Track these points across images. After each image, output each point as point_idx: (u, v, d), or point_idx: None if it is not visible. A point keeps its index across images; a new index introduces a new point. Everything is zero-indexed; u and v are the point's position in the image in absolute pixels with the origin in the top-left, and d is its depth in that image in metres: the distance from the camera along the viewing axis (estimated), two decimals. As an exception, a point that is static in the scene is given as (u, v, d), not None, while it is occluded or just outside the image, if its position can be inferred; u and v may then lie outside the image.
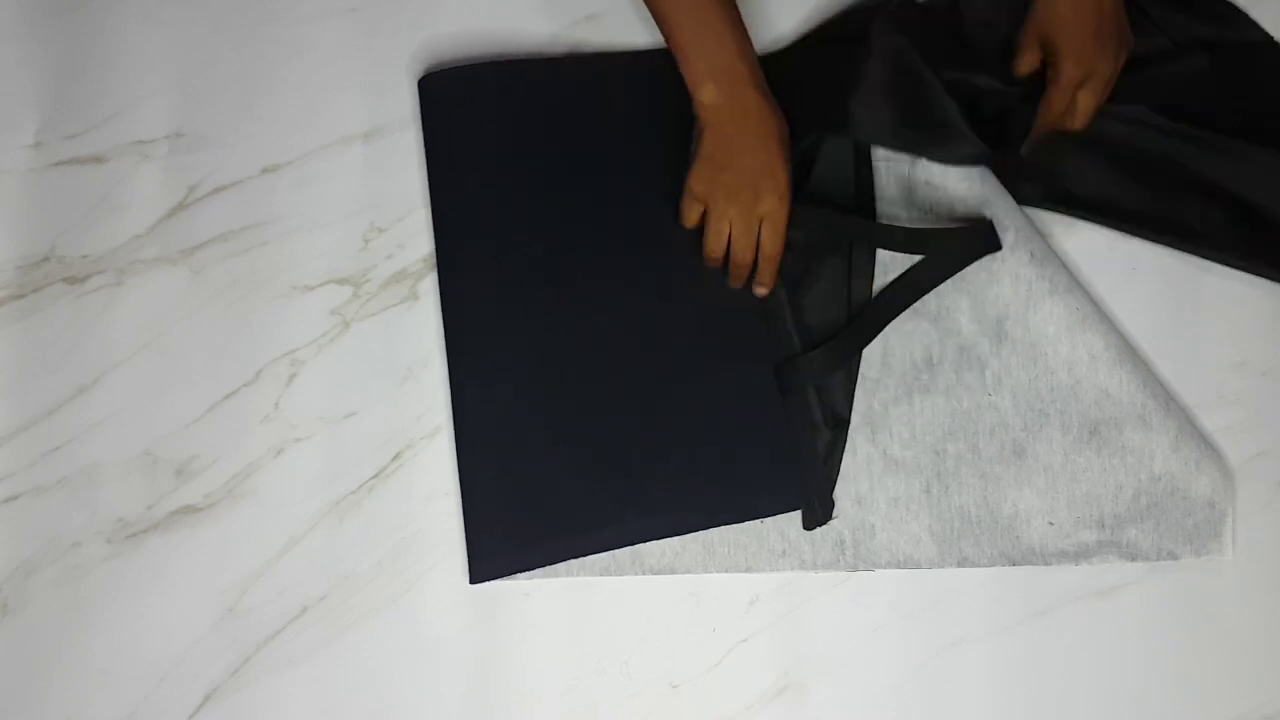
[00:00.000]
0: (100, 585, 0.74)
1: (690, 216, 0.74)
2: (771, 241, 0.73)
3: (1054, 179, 0.76)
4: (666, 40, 0.70)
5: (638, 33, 0.80)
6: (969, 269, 0.74)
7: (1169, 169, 0.76)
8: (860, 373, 0.75)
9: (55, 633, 0.74)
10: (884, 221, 0.76)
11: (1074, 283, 0.74)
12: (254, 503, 0.75)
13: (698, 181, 0.73)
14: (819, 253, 0.75)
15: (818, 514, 0.73)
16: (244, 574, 0.75)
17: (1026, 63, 0.75)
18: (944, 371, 0.75)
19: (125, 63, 0.78)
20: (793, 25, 0.80)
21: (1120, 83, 0.73)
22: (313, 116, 0.78)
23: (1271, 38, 0.78)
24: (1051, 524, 0.73)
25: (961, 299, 0.75)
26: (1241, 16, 0.78)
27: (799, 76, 0.75)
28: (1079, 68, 0.71)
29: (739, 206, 0.72)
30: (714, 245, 0.74)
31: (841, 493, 0.74)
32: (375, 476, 0.76)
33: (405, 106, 0.78)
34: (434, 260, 0.78)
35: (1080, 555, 0.73)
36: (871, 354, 0.75)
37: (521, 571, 0.73)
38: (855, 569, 0.74)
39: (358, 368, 0.77)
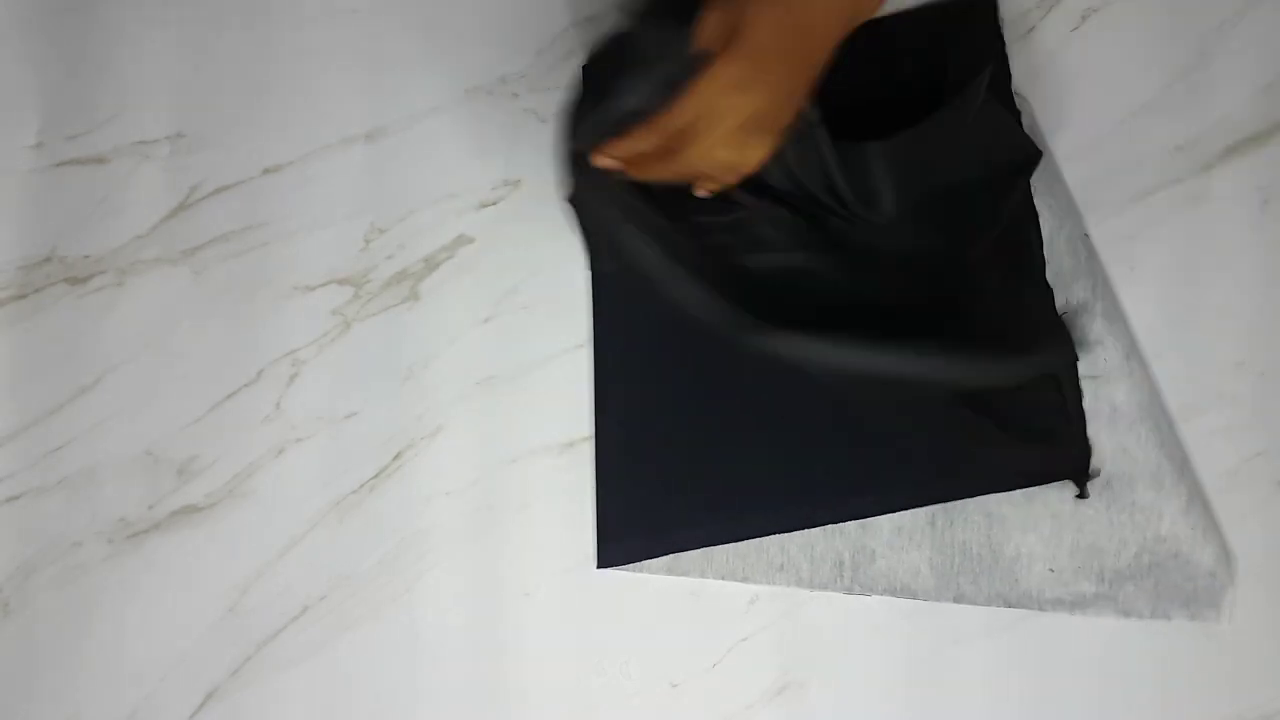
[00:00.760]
0: (101, 585, 0.75)
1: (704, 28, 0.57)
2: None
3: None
4: None
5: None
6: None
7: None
8: None
9: (55, 633, 0.74)
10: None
11: (1107, 335, 0.73)
12: (255, 503, 0.75)
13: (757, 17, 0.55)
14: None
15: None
16: (245, 574, 0.75)
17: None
18: None
19: (126, 63, 0.78)
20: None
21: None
22: (313, 117, 0.78)
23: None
24: (1052, 571, 0.73)
25: None
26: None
27: None
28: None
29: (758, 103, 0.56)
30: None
31: None
32: (376, 476, 0.76)
33: (406, 106, 0.78)
34: (435, 261, 0.78)
35: (1076, 605, 0.73)
36: None
37: (647, 559, 0.74)
38: (851, 591, 0.74)
39: (359, 368, 0.77)
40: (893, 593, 0.74)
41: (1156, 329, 0.75)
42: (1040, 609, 0.73)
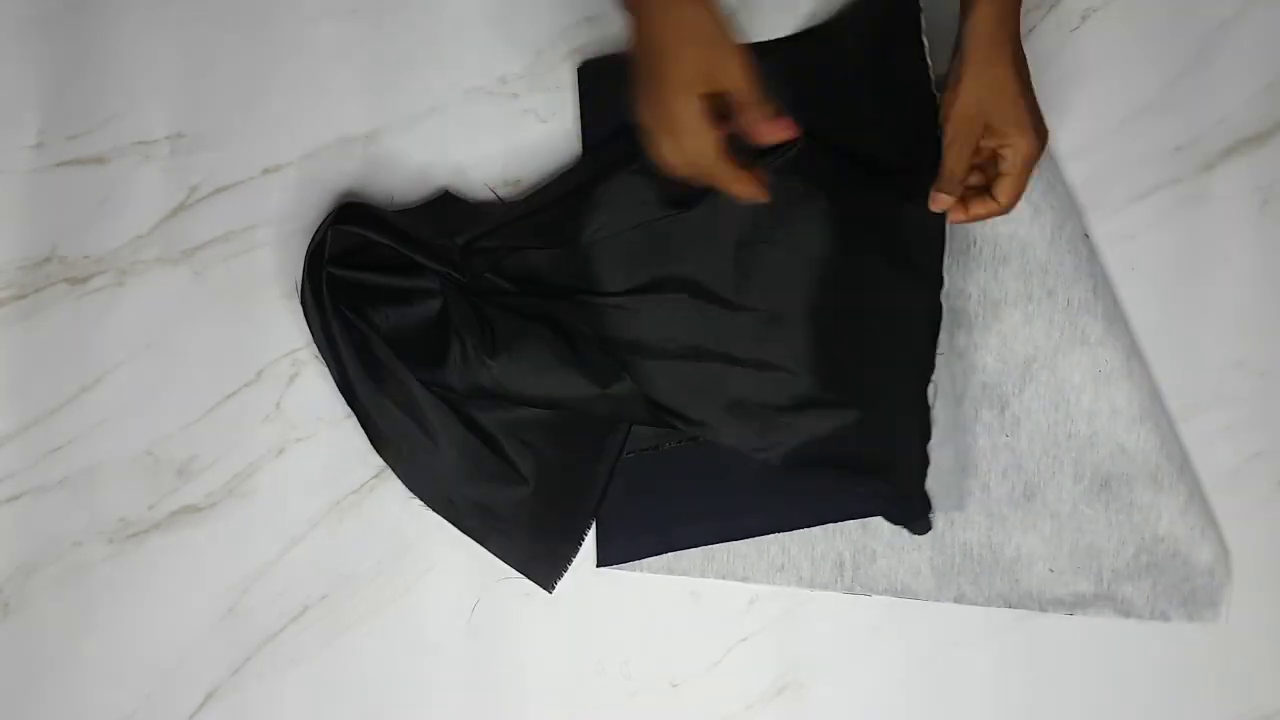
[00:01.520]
0: (101, 585, 0.75)
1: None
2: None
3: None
4: None
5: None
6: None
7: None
8: None
9: (56, 633, 0.75)
10: None
11: (1107, 335, 0.73)
12: (255, 503, 0.75)
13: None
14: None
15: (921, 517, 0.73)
16: (244, 574, 0.75)
17: (960, 158, 0.65)
18: (964, 408, 0.74)
19: (126, 63, 0.78)
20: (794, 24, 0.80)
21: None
22: (313, 117, 0.78)
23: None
24: (1051, 571, 0.73)
25: (990, 336, 0.74)
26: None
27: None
28: (1039, 139, 0.65)
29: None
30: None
31: None
32: (376, 477, 0.76)
33: (406, 107, 0.78)
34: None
35: (1075, 605, 0.73)
36: None
37: (643, 558, 0.74)
38: (852, 591, 0.74)
39: (358, 368, 0.77)
40: (893, 593, 0.74)
41: (1156, 329, 0.75)
42: (1040, 609, 0.73)
